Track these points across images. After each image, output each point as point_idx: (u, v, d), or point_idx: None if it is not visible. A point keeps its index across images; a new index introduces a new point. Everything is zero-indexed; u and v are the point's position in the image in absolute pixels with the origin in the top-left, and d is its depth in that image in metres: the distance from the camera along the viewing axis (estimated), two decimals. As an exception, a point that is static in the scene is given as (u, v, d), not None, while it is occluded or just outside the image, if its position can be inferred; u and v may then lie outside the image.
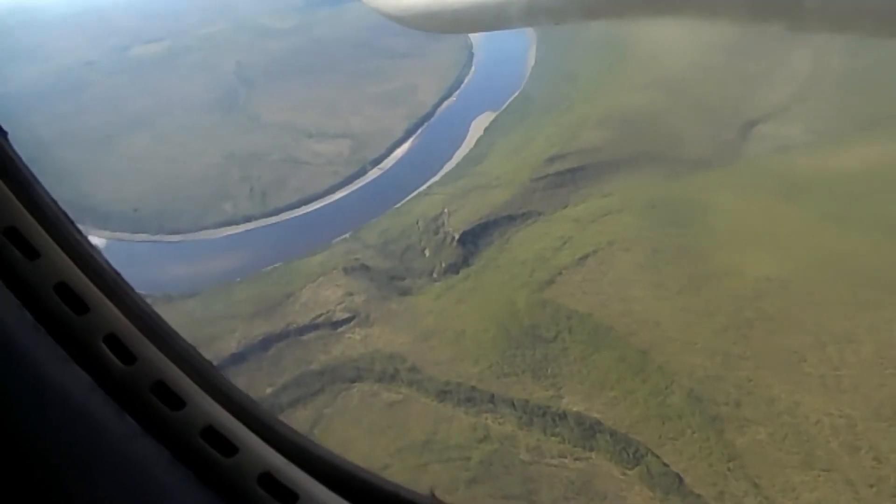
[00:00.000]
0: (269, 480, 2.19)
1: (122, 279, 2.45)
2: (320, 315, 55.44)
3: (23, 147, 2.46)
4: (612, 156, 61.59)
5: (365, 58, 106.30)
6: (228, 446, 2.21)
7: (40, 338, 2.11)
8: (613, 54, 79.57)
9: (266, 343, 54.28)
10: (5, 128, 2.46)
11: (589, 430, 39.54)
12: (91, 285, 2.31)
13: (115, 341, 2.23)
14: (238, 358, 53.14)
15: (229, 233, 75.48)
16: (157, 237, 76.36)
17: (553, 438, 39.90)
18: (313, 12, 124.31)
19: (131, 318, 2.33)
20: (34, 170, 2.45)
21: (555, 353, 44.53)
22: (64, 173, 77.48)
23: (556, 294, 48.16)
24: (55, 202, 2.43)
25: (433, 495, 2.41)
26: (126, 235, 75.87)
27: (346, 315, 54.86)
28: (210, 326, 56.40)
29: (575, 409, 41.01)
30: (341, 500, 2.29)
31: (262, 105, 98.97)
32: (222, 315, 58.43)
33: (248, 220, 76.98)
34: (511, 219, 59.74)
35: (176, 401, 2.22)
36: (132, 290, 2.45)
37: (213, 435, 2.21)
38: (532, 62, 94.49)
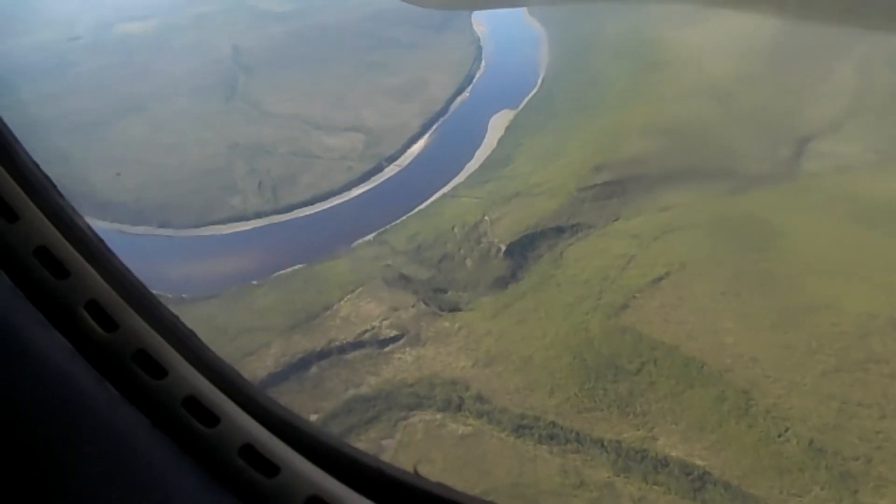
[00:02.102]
0: (251, 452, 2.10)
1: (105, 245, 2.31)
2: (365, 331, 49.46)
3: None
4: (661, 168, 56.75)
5: (370, 48, 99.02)
6: (210, 417, 2.11)
7: (19, 302, 2.01)
8: (642, 57, 74.79)
9: (306, 362, 48.21)
10: None
11: (697, 480, 34.89)
12: (72, 250, 2.18)
13: (96, 308, 2.12)
14: (277, 378, 47.03)
15: (239, 229, 68.39)
16: (160, 231, 68.83)
17: (657, 488, 35.14)
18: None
19: (113, 285, 2.20)
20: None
21: (641, 387, 39.70)
22: (55, 159, 69.07)
23: (634, 321, 43.27)
24: (36, 165, 2.29)
25: (416, 472, 2.30)
26: (127, 227, 68.00)
27: (394, 332, 49.02)
28: (240, 338, 50.18)
29: (675, 454, 36.30)
30: (324, 473, 2.18)
31: (263, 93, 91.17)
32: (251, 326, 52.11)
33: (258, 216, 69.93)
34: (559, 231, 54.51)
35: (157, 369, 2.12)
36: (114, 256, 2.31)
37: (195, 405, 2.11)
38: (545, 60, 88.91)
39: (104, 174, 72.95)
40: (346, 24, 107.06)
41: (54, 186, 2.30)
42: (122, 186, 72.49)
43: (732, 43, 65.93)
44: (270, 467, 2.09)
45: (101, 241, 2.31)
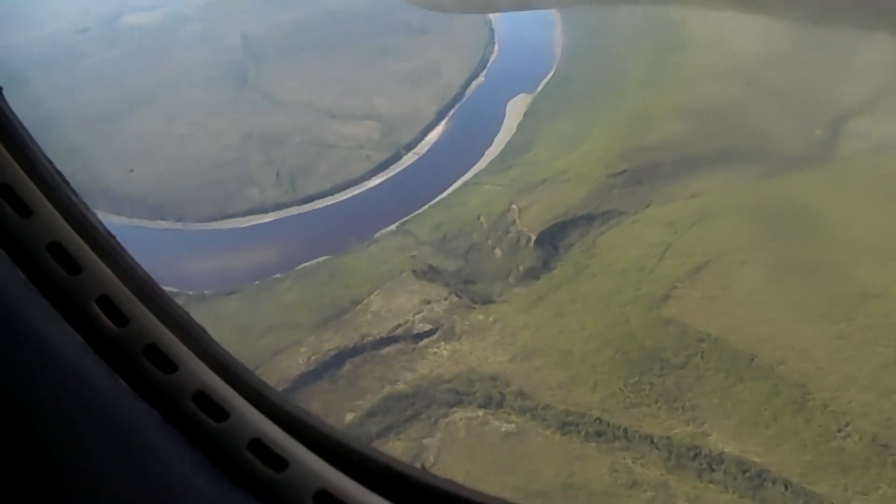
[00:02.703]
0: (260, 446, 2.10)
1: (116, 241, 2.33)
2: (398, 326, 47.68)
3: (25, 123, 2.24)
4: (692, 151, 54.60)
5: (380, 34, 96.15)
6: (219, 411, 2.12)
7: (32, 296, 2.03)
8: (664, 40, 72.18)
9: (339, 359, 46.48)
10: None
11: (755, 478, 33.36)
12: (85, 246, 2.20)
13: (107, 303, 2.14)
14: (309, 377, 45.36)
15: (258, 222, 66.37)
16: (177, 225, 66.88)
17: (713, 486, 33.63)
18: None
19: (124, 280, 2.22)
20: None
21: (689, 381, 38.07)
22: (68, 154, 66.91)
23: (677, 312, 41.53)
24: (50, 161, 2.31)
25: (423, 469, 2.29)
26: (144, 222, 66.03)
27: (428, 326, 47.24)
28: (267, 336, 48.40)
29: (729, 451, 34.74)
30: (332, 468, 2.17)
31: (275, 82, 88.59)
32: (278, 323, 50.27)
33: (277, 208, 67.82)
34: (590, 218, 52.55)
35: (168, 364, 2.13)
36: (126, 252, 2.33)
37: (205, 399, 2.12)
38: (560, 42, 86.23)
39: (118, 168, 70.84)
40: (354, 9, 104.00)
41: (67, 183, 2.28)
42: (137, 180, 70.28)
43: (757, 24, 63.50)
44: (279, 462, 2.06)
45: (113, 236, 2.28)
